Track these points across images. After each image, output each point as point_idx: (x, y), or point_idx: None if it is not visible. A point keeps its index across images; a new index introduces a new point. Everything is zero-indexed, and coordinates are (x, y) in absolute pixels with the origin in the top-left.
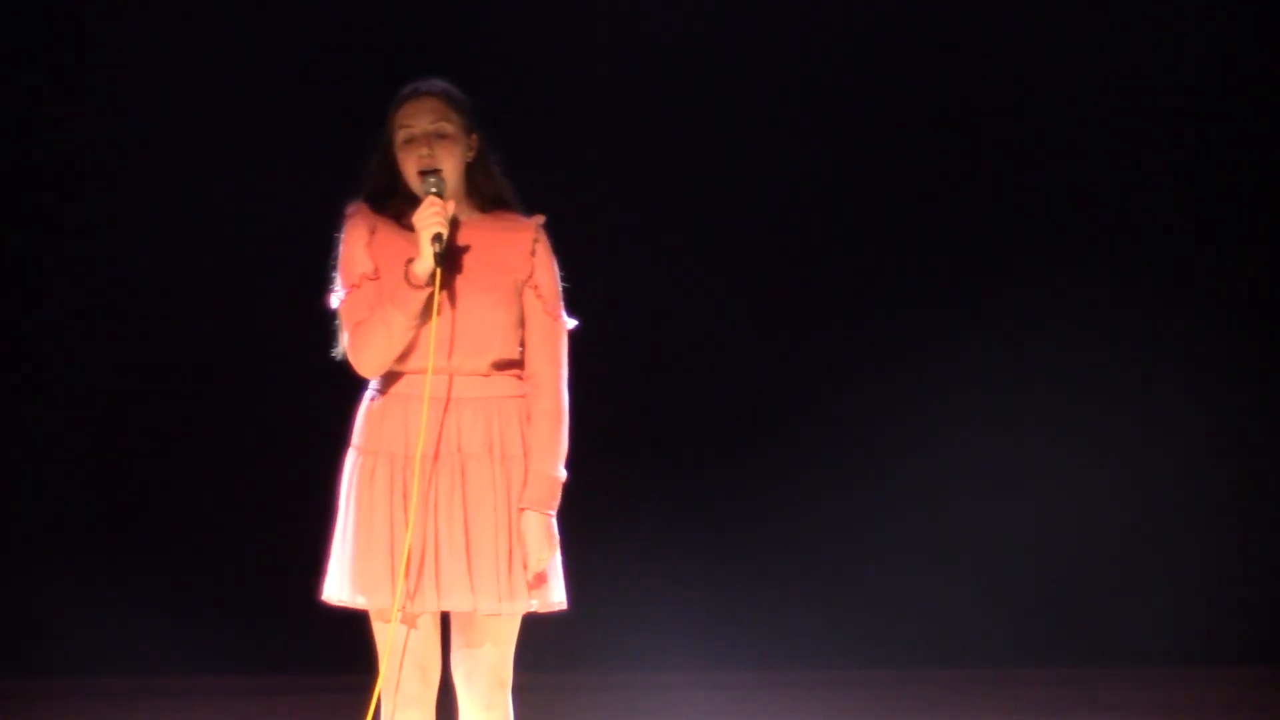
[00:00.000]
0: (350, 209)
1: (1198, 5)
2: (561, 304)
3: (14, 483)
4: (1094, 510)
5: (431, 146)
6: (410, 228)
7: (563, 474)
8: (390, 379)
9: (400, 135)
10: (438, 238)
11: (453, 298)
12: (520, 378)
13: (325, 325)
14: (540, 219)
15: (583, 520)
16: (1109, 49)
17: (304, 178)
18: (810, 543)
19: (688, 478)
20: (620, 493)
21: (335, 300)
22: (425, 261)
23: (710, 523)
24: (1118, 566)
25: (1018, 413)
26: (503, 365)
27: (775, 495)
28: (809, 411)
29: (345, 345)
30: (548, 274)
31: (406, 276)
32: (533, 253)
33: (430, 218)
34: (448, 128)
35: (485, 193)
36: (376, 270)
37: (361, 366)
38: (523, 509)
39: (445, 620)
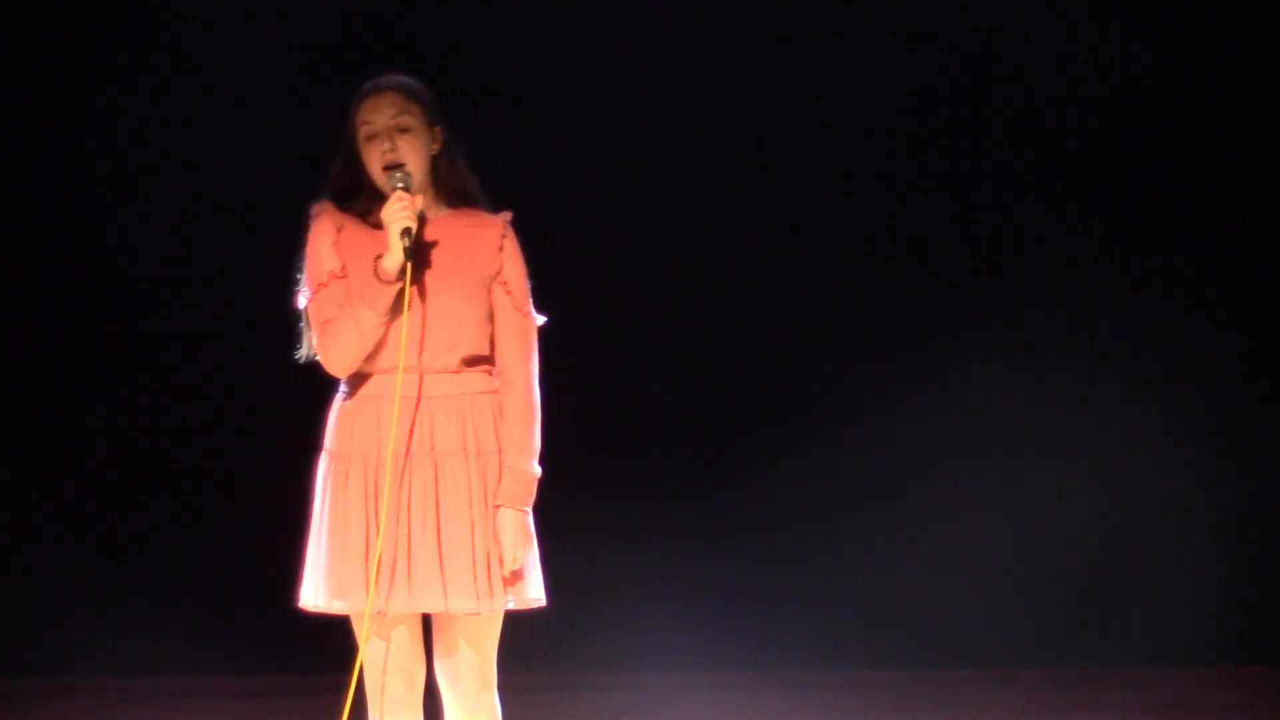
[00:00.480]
0: (315, 209)
1: (1198, 4)
2: (530, 299)
3: (13, 483)
4: (1094, 510)
5: (394, 141)
6: (377, 225)
7: (537, 470)
8: (360, 379)
9: (362, 132)
10: (406, 232)
11: (422, 294)
12: (490, 373)
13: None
14: (507, 215)
15: (582, 520)
16: (1113, 47)
17: (290, 178)
18: (810, 542)
19: (687, 477)
20: (619, 492)
21: (302, 300)
22: (395, 256)
23: (709, 522)
24: (1118, 566)
25: (1018, 412)
26: (473, 361)
27: (775, 494)
28: (809, 410)
29: (314, 345)
30: (516, 269)
31: (376, 272)
32: (501, 248)
33: (398, 212)
34: (410, 121)
35: (451, 186)
36: (344, 268)
37: (331, 365)
38: (498, 506)
39: (428, 622)
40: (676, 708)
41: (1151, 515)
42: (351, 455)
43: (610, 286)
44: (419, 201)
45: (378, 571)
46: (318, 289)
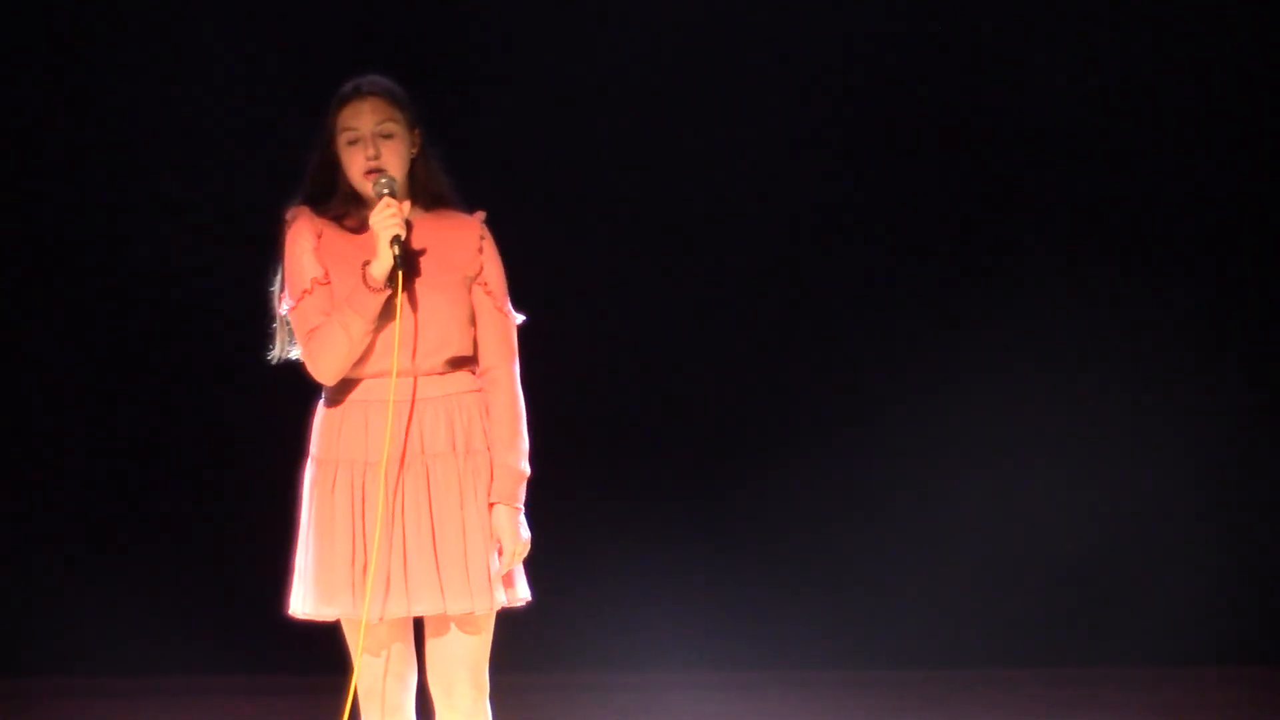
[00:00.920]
0: (290, 213)
1: (1199, 4)
2: (509, 299)
3: (13, 483)
4: (1094, 510)
5: (378, 148)
6: (353, 229)
7: (527, 468)
8: (346, 385)
9: (344, 137)
10: (396, 239)
11: (411, 298)
12: (474, 373)
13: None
14: (482, 214)
15: (581, 519)
16: (1116, 44)
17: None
18: (810, 542)
19: (687, 477)
20: (618, 492)
21: (284, 306)
22: (384, 263)
23: (709, 522)
24: (1118, 566)
25: (1018, 413)
26: (458, 362)
27: (775, 494)
28: (809, 409)
29: (300, 353)
30: (495, 270)
31: (365, 280)
32: (480, 249)
33: (387, 219)
34: (393, 128)
35: (428, 189)
36: (326, 274)
37: (321, 373)
38: (493, 504)
39: (418, 626)
40: (676, 708)
41: (1152, 515)
42: (339, 461)
43: (611, 285)
44: (407, 207)
45: (371, 578)
46: (301, 296)
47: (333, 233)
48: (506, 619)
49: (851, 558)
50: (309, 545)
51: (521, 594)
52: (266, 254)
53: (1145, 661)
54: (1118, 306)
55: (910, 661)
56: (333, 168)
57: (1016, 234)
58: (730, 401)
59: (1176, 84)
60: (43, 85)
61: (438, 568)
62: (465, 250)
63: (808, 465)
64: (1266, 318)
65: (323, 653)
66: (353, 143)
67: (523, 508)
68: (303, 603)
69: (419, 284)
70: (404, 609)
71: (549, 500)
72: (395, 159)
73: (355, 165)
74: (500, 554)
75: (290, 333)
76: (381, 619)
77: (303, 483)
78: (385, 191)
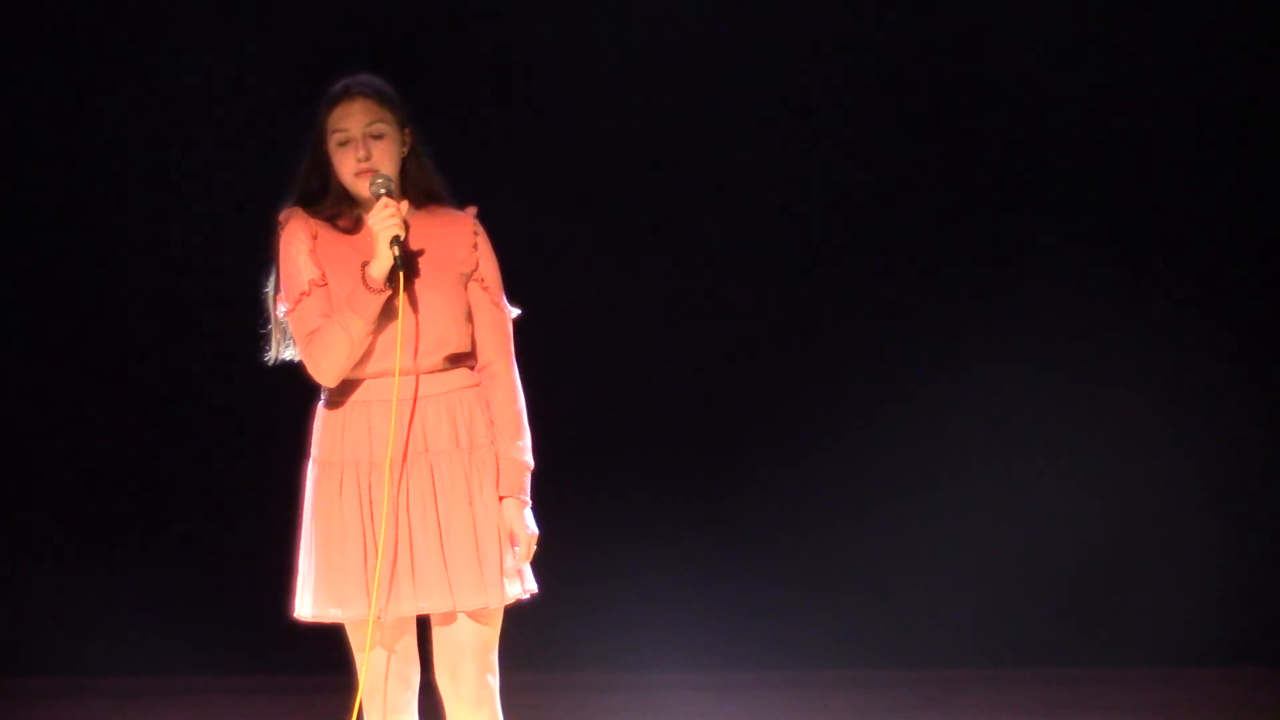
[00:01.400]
0: (284, 215)
1: (1200, 3)
2: (503, 293)
3: (13, 483)
4: (1094, 510)
5: (369, 149)
6: (347, 230)
7: (531, 461)
8: (348, 386)
9: (335, 138)
10: (396, 240)
11: (410, 297)
12: (473, 369)
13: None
14: (473, 210)
15: (582, 519)
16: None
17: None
18: (810, 542)
19: (687, 477)
20: (619, 491)
21: (281, 309)
22: (383, 264)
23: (710, 522)
24: (1118, 566)
25: (1018, 413)
26: (457, 359)
27: (775, 494)
28: (809, 408)
29: (300, 355)
30: (490, 265)
31: (364, 281)
32: (475, 245)
33: (386, 220)
34: (384, 128)
35: (420, 187)
36: (323, 276)
37: (322, 375)
38: (503, 497)
39: (422, 625)
40: (676, 708)
41: (1152, 515)
42: (344, 463)
43: (614, 284)
44: (405, 207)
45: (379, 578)
46: (299, 298)
47: (328, 234)
48: (507, 618)
49: (852, 558)
50: (315, 547)
51: (529, 585)
52: (265, 254)
53: (1145, 661)
54: (1118, 306)
55: (910, 661)
56: (324, 168)
57: (1018, 234)
58: (731, 401)
59: (1176, 84)
60: (42, 85)
61: (445, 564)
62: (460, 247)
63: (808, 465)
64: (1267, 318)
65: (323, 653)
66: (343, 144)
67: (529, 500)
68: (309, 605)
69: (417, 283)
70: (412, 607)
71: (549, 498)
72: (386, 159)
73: (346, 166)
74: (514, 546)
75: (286, 334)
76: (382, 617)
77: (304, 484)
78: (382, 192)
